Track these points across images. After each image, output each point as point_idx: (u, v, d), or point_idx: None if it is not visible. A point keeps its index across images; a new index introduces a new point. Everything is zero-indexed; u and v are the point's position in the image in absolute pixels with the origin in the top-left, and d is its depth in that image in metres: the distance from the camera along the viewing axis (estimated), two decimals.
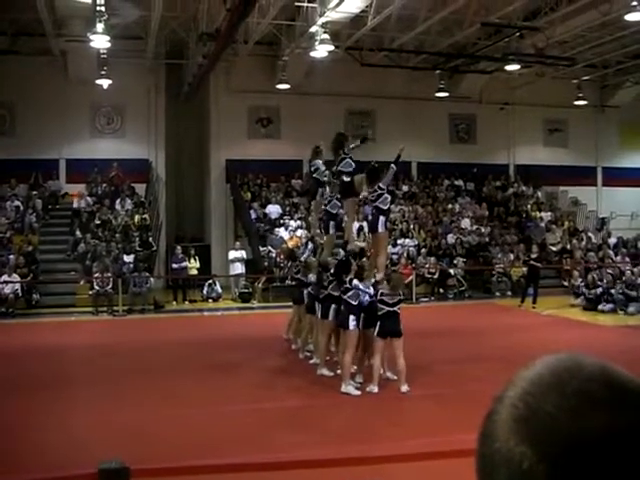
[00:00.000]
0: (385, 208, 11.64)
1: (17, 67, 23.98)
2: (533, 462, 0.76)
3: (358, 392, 10.37)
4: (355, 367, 11.05)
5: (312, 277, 12.34)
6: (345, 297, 10.70)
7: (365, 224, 15.43)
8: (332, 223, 12.71)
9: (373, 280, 11.05)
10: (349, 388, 10.38)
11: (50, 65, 24.22)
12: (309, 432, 8.47)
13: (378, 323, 10.36)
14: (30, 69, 24.08)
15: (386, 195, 11.58)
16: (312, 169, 13.76)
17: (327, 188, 12.99)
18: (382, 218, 11.56)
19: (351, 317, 10.49)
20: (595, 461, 0.75)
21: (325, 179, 13.16)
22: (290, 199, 26.27)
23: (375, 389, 10.32)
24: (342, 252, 12.02)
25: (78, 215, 23.93)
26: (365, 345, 11.03)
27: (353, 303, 10.56)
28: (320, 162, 13.47)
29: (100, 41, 19.20)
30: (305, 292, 12.81)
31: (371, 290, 10.72)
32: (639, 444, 0.76)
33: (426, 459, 5.41)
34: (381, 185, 11.55)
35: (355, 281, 10.62)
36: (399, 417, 9.58)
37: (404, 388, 10.30)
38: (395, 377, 10.73)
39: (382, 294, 10.46)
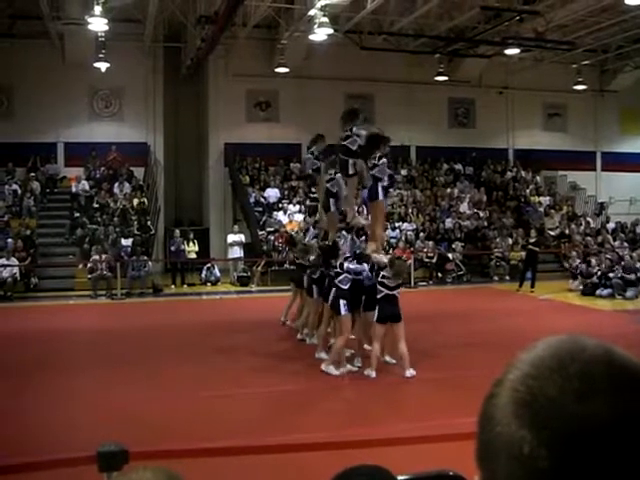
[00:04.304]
0: (381, 177, 11.43)
1: (14, 50, 23.86)
2: (534, 446, 0.76)
3: (337, 372, 10.34)
4: (353, 351, 11.07)
5: (311, 258, 12.37)
6: (336, 281, 10.64)
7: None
8: (332, 201, 12.66)
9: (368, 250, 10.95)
10: (330, 368, 10.36)
11: (47, 48, 24.09)
12: (308, 415, 8.50)
13: (377, 308, 10.29)
14: (27, 52, 23.95)
15: (382, 167, 11.34)
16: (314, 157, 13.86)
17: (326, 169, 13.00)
18: (380, 185, 11.35)
19: (341, 302, 10.40)
20: (597, 446, 0.74)
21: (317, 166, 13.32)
22: (289, 183, 26.23)
23: (373, 374, 10.20)
24: (344, 233, 11.89)
25: (76, 199, 23.89)
26: (365, 328, 11.00)
27: (343, 287, 10.49)
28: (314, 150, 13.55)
29: (98, 24, 19.13)
30: (305, 275, 12.87)
31: (365, 266, 10.66)
32: None
33: (425, 442, 5.42)
34: (377, 162, 11.41)
35: (346, 264, 10.56)
36: (398, 401, 9.59)
37: (409, 373, 10.13)
38: (394, 361, 10.72)
39: (383, 276, 10.31)
